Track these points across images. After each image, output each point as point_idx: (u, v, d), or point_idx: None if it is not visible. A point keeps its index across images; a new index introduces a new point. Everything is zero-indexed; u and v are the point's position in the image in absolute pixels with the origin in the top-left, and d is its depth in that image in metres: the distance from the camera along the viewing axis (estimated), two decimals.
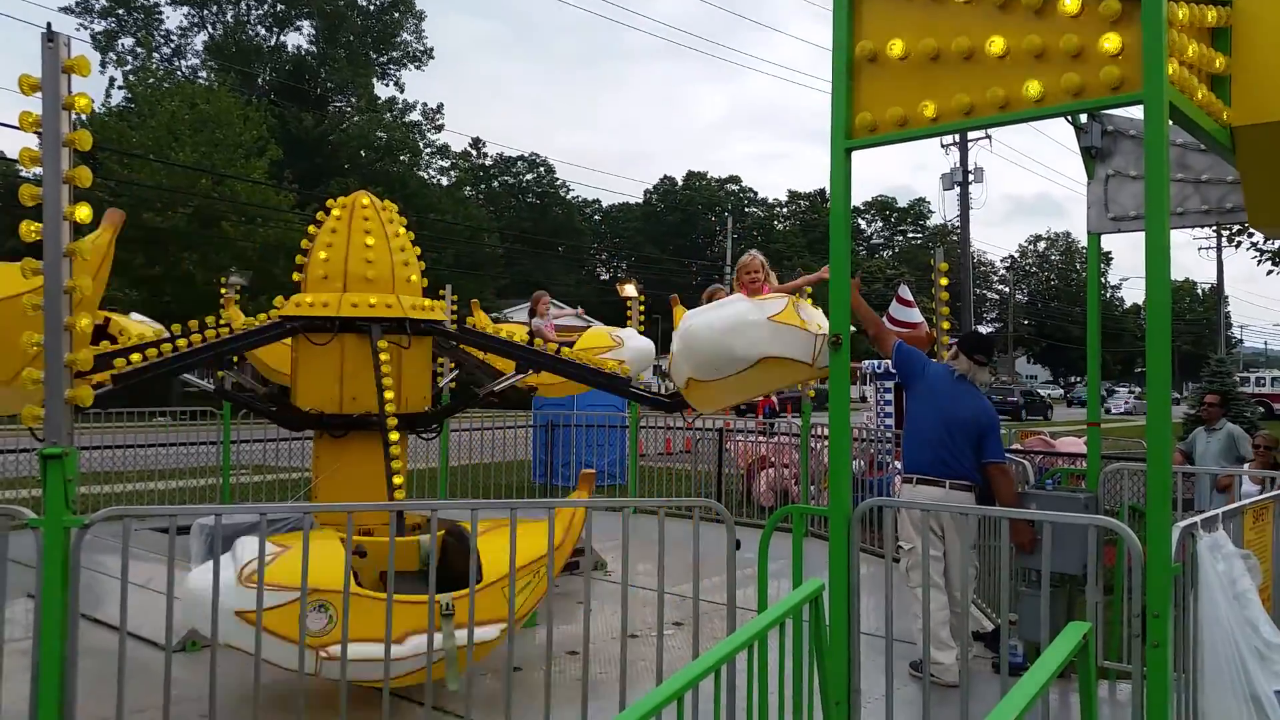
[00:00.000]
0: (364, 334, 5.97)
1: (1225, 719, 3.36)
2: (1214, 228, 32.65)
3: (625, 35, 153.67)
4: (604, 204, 78.04)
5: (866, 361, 14.27)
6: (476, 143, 67.38)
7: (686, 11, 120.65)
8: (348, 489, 6.20)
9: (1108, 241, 6.42)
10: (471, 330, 6.76)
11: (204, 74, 48.40)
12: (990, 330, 72.59)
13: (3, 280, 4.40)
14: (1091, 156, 5.52)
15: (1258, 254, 27.88)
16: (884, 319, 8.05)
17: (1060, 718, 5.09)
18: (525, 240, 60.03)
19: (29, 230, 3.71)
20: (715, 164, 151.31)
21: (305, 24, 53.39)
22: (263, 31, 53.51)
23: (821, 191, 75.33)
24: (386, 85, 55.54)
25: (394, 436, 5.55)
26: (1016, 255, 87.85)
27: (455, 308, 10.97)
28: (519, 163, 71.13)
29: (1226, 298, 53.36)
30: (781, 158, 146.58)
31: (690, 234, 74.03)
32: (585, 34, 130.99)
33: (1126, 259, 71.66)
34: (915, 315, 9.06)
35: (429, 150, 56.82)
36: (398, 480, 5.34)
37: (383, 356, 5.70)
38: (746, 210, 79.07)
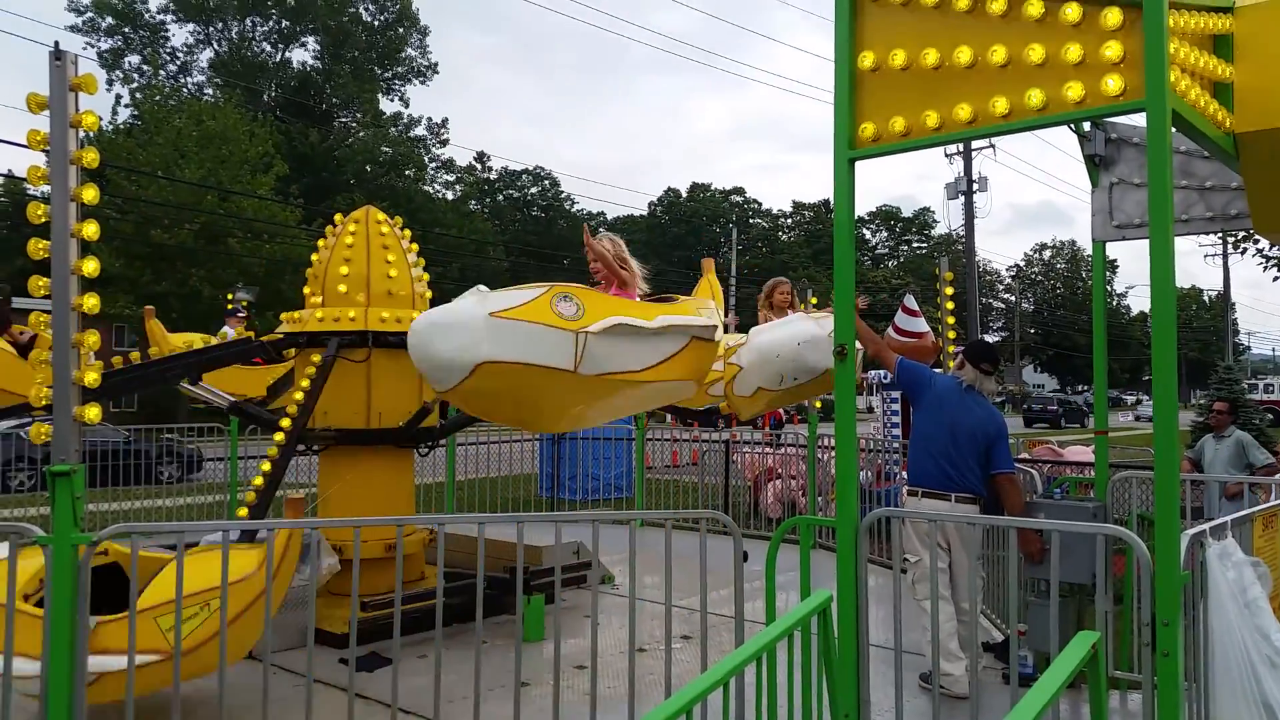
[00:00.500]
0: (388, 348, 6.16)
1: None
2: (1219, 234, 32.61)
3: (628, 48, 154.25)
4: (609, 216, 78.20)
5: (874, 372, 14.26)
6: (481, 157, 67.61)
7: (689, 24, 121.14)
8: (356, 504, 6.24)
9: (1113, 249, 6.45)
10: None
11: (210, 91, 48.70)
12: (996, 339, 72.50)
13: None
14: (1095, 164, 5.52)
15: (1264, 260, 27.81)
16: (890, 329, 8.06)
17: None
18: (530, 253, 60.12)
19: (37, 247, 3.73)
20: (719, 175, 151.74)
21: (310, 40, 53.71)
22: (268, 48, 53.82)
23: (826, 202, 75.38)
24: (391, 100, 55.87)
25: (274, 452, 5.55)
26: (1022, 264, 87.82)
27: None
28: (524, 176, 71.35)
29: (1233, 304, 53.26)
30: (785, 168, 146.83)
31: (695, 245, 73.98)
32: (588, 48, 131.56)
33: (1132, 267, 71.58)
34: (921, 325, 9.06)
35: (434, 165, 57.08)
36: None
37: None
38: (751, 221, 79.12)
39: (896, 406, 12.98)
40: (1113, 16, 3.15)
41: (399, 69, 55.87)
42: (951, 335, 8.57)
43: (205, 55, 52.47)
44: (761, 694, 3.19)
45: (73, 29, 48.46)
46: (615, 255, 5.49)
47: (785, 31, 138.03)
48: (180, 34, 52.46)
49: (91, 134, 3.92)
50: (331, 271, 6.48)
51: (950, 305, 8.57)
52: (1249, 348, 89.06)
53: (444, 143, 57.19)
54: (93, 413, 3.82)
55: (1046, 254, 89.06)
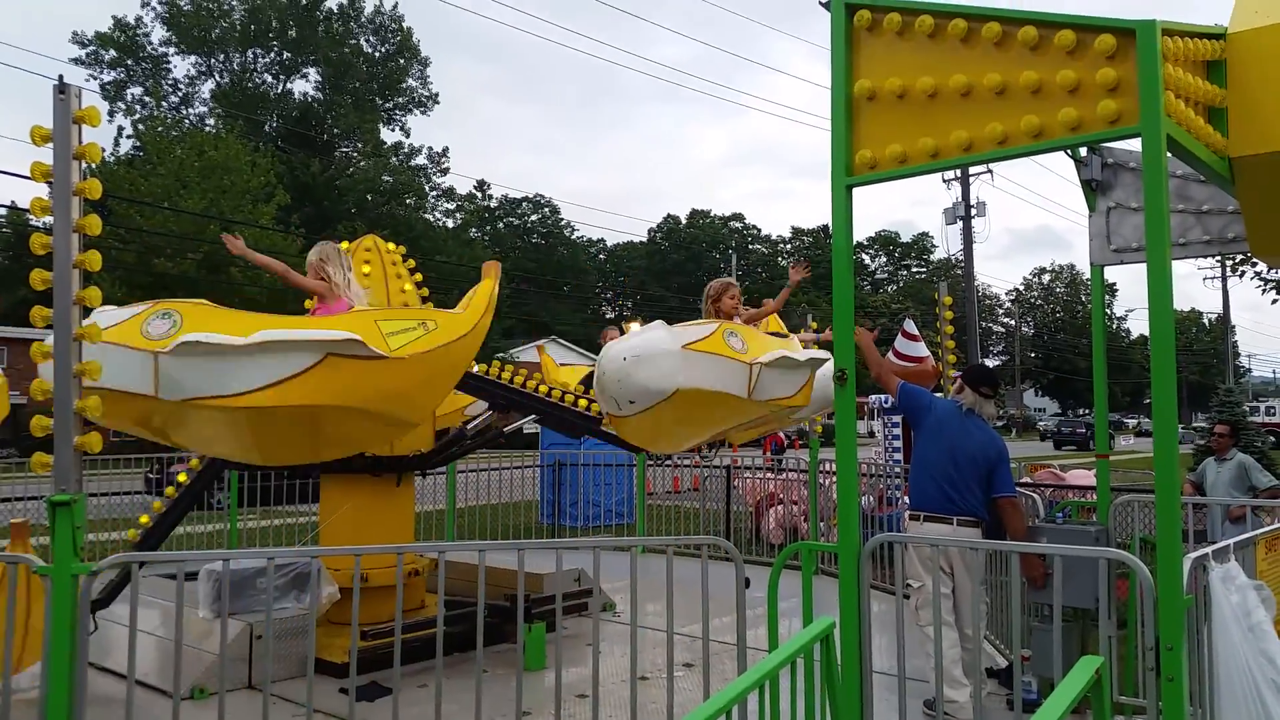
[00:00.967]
0: None
1: None
2: (1217, 257, 32.69)
3: (627, 78, 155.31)
4: (608, 243, 78.55)
5: (874, 396, 14.26)
6: (481, 185, 67.96)
7: (687, 54, 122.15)
8: (355, 532, 6.22)
9: (1112, 273, 6.45)
10: None
11: (212, 121, 49.00)
12: (997, 363, 72.48)
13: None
14: (1092, 189, 5.54)
15: (1262, 283, 27.87)
16: (890, 354, 8.07)
17: None
18: (531, 280, 60.33)
19: (40, 278, 3.75)
20: (718, 202, 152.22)
21: (312, 71, 54.12)
22: (269, 79, 54.24)
23: (824, 227, 75.67)
24: (392, 130, 56.24)
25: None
26: (1021, 288, 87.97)
27: None
28: (524, 204, 71.71)
29: (1233, 327, 53.30)
30: (784, 195, 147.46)
31: (695, 271, 74.26)
32: (588, 78, 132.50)
33: (1131, 290, 71.89)
34: (921, 349, 9.07)
35: (434, 193, 57.36)
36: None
37: None
38: (750, 247, 79.42)
39: (898, 431, 12.95)
40: (1106, 42, 3.18)
41: (400, 99, 56.28)
42: (952, 360, 8.58)
43: (207, 86, 52.94)
44: None
45: (76, 61, 48.92)
46: (316, 265, 5.31)
47: (783, 60, 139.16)
48: (182, 66, 52.94)
49: (94, 165, 3.94)
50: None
51: (950, 330, 8.59)
52: (1250, 370, 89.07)
53: (444, 171, 57.54)
54: (94, 441, 3.82)
55: (1045, 278, 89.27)
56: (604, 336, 6.37)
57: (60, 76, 3.79)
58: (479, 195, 67.55)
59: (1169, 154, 3.26)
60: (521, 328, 54.93)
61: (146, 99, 48.91)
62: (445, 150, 59.66)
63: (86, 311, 3.86)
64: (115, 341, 4.11)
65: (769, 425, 6.36)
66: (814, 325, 8.94)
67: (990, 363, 66.59)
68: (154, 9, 50.63)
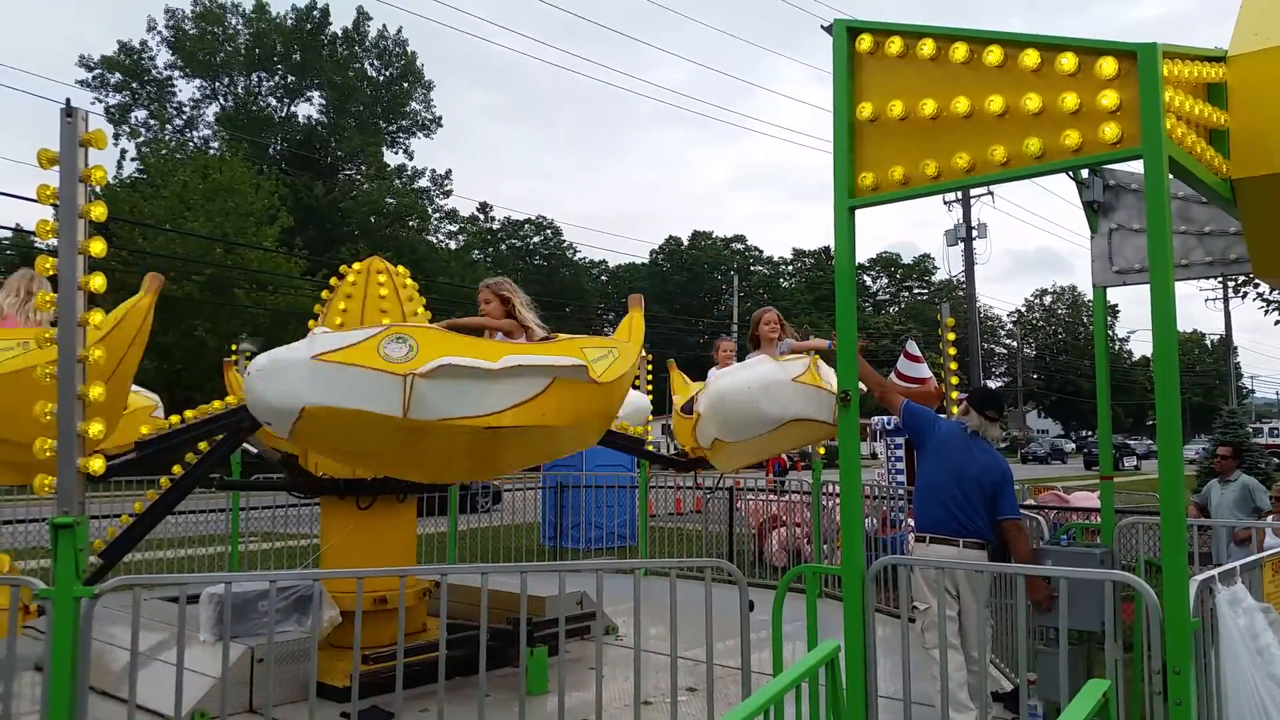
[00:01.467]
0: None
1: None
2: (1219, 279, 32.71)
3: (628, 101, 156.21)
4: (610, 265, 78.70)
5: (876, 418, 14.23)
6: (484, 207, 68.18)
7: (689, 78, 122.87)
8: (357, 554, 6.21)
9: (1113, 295, 6.45)
10: None
11: (216, 144, 49.26)
12: (999, 385, 72.43)
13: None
14: (1094, 211, 5.56)
15: (1264, 304, 27.89)
16: (892, 375, 8.06)
17: None
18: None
19: (44, 300, 3.76)
20: (720, 224, 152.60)
21: (316, 95, 54.44)
22: (274, 102, 54.55)
23: (826, 249, 75.84)
24: (396, 153, 56.47)
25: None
26: (1023, 309, 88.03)
27: None
28: (526, 225, 71.90)
29: (1235, 348, 53.24)
30: (785, 217, 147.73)
31: (697, 293, 74.44)
32: (590, 103, 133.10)
33: (1133, 311, 71.70)
34: (924, 371, 9.08)
35: (437, 215, 57.55)
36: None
37: None
38: (752, 269, 79.53)
39: (900, 453, 12.93)
40: (1108, 66, 3.20)
41: (403, 122, 56.57)
42: (954, 381, 8.57)
43: (211, 110, 53.21)
44: None
45: (82, 84, 49.23)
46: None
47: (784, 84, 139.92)
48: (187, 89, 53.21)
49: (99, 188, 3.95)
50: (328, 323, 6.54)
51: (953, 351, 8.58)
52: (1253, 391, 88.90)
53: (447, 194, 57.76)
54: (96, 464, 3.81)
55: (1047, 299, 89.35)
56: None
57: (67, 100, 3.81)
58: (482, 217, 67.80)
59: (1171, 176, 3.27)
60: None
61: (151, 122, 49.19)
62: (448, 173, 59.96)
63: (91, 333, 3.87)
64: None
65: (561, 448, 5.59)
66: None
67: (992, 384, 66.61)
68: (159, 33, 51.05)
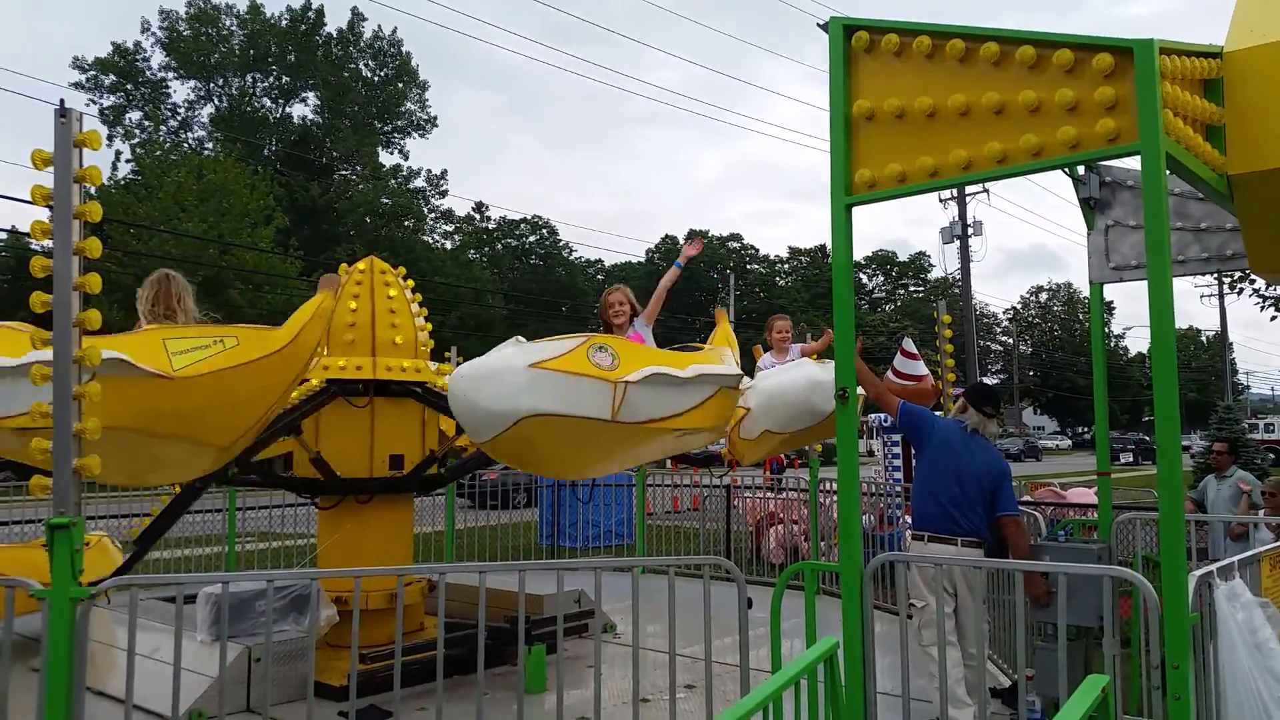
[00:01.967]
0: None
1: None
2: (1215, 275, 32.76)
3: (623, 101, 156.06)
4: (607, 264, 78.66)
5: (874, 415, 14.24)
6: (480, 207, 68.12)
7: (685, 78, 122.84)
8: (352, 554, 6.20)
9: (1109, 291, 6.46)
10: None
11: (210, 145, 49.18)
12: (995, 382, 72.52)
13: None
14: (1091, 207, 5.56)
15: (1260, 300, 27.91)
16: (889, 373, 8.06)
17: None
18: (529, 301, 60.37)
19: (39, 301, 3.75)
20: (716, 223, 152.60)
21: (311, 95, 54.36)
22: (268, 103, 54.47)
23: (822, 247, 75.88)
24: (391, 153, 56.44)
25: None
26: (1019, 306, 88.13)
27: None
28: (522, 225, 71.80)
29: (1231, 344, 53.36)
30: (781, 215, 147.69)
31: (693, 291, 74.38)
32: (584, 101, 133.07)
33: (1128, 307, 71.98)
34: (920, 368, 9.06)
35: (433, 215, 57.51)
36: None
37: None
38: (749, 267, 79.57)
39: (898, 450, 12.93)
40: (1104, 61, 3.20)
41: (398, 122, 56.53)
42: (951, 378, 8.57)
43: (206, 111, 53.15)
44: None
45: (76, 86, 49.14)
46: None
47: (778, 83, 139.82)
48: (181, 90, 53.13)
49: (94, 189, 3.94)
50: (338, 321, 6.49)
51: (949, 348, 8.58)
52: (1248, 387, 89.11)
53: (443, 194, 57.72)
54: (93, 464, 3.80)
55: (1043, 296, 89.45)
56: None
57: (61, 101, 3.80)
58: (477, 217, 67.74)
59: (1167, 172, 3.27)
60: None
61: (146, 123, 49.10)
62: (444, 173, 59.83)
63: (86, 334, 3.86)
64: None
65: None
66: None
67: (989, 381, 66.63)
68: (154, 34, 50.98)
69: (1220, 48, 3.76)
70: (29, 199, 3.80)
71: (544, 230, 72.23)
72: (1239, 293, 29.34)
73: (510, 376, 4.41)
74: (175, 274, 5.18)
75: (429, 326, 6.94)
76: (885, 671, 5.66)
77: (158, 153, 40.84)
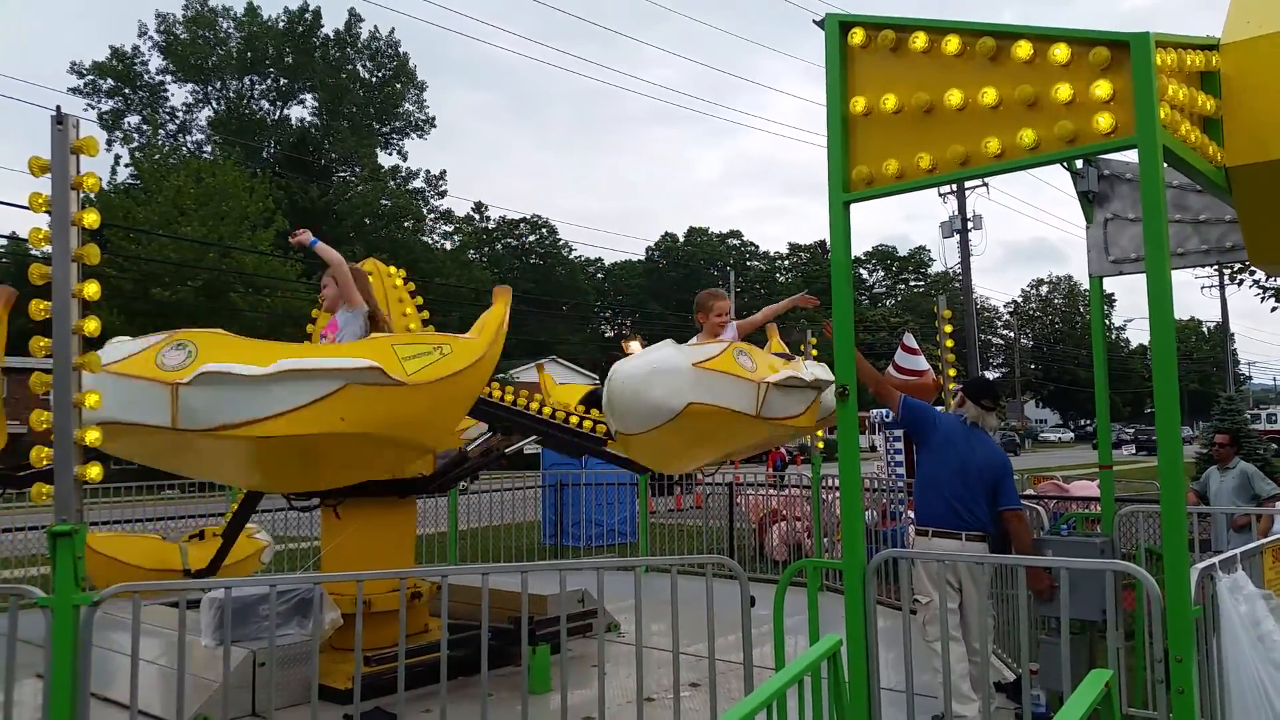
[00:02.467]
0: None
1: None
2: (1215, 267, 32.72)
3: (622, 100, 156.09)
4: (606, 262, 78.68)
5: (875, 410, 14.23)
6: (479, 207, 68.15)
7: (682, 76, 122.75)
8: (359, 556, 6.20)
9: (1109, 284, 6.45)
10: None
11: (209, 149, 49.19)
12: (997, 376, 72.48)
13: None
14: (1089, 201, 5.56)
15: (1261, 291, 27.86)
16: (890, 368, 8.06)
17: None
18: (529, 300, 60.37)
19: (38, 308, 3.75)
20: (716, 220, 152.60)
21: (309, 97, 54.34)
22: (266, 105, 54.48)
23: (822, 243, 75.88)
24: (390, 154, 56.46)
25: None
26: (1020, 300, 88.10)
27: None
28: (521, 225, 71.86)
29: (1232, 335, 53.32)
30: (780, 212, 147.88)
31: (693, 289, 73.95)
32: (582, 100, 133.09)
33: (1129, 300, 71.96)
34: (921, 363, 9.06)
35: (432, 216, 57.53)
36: None
37: None
38: (748, 264, 79.59)
39: (899, 445, 12.92)
40: (1101, 55, 3.20)
41: (397, 123, 56.53)
42: (952, 373, 8.57)
43: (204, 114, 53.16)
44: None
45: (74, 91, 49.14)
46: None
47: (776, 79, 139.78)
48: (179, 94, 53.32)
49: (93, 195, 3.94)
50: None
51: (950, 343, 8.58)
52: (1250, 378, 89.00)
53: (442, 194, 57.75)
54: (94, 471, 3.81)
55: (1043, 290, 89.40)
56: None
57: (58, 107, 3.80)
58: (477, 217, 67.81)
59: (1165, 164, 3.26)
60: (521, 348, 54.97)
61: (144, 127, 49.10)
62: (443, 173, 60.11)
63: (86, 341, 3.86)
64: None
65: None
66: (813, 341, 8.96)
67: (990, 375, 66.61)
68: (151, 38, 50.97)
69: (1217, 40, 3.75)
70: (27, 205, 3.80)
71: (543, 229, 72.30)
72: (1239, 284, 29.24)
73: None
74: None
75: (432, 329, 6.95)
76: (889, 667, 5.66)
77: (156, 157, 40.83)
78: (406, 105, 56.49)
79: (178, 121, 52.55)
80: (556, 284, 68.00)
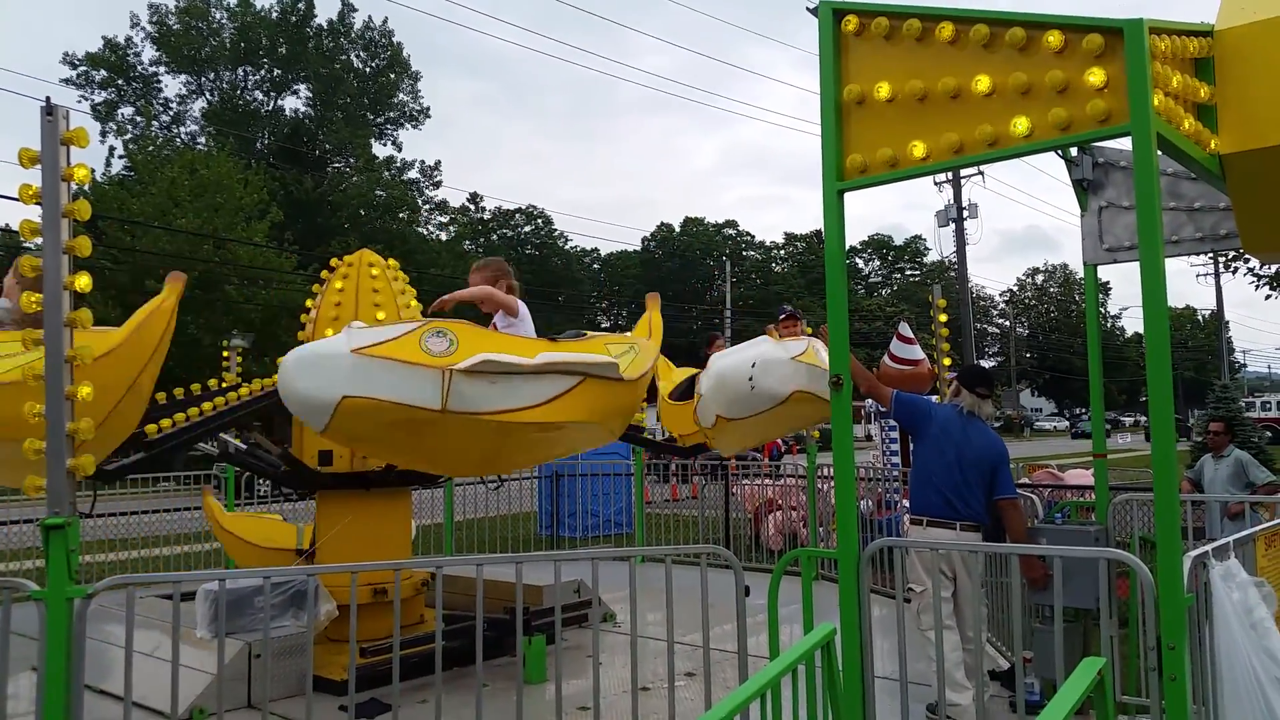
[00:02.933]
0: None
1: None
2: (1210, 254, 32.77)
3: (616, 89, 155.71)
4: (602, 252, 78.57)
5: (870, 400, 14.24)
6: (474, 197, 67.98)
7: (675, 64, 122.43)
8: (353, 547, 6.20)
9: (1105, 272, 6.44)
10: None
11: (203, 140, 48.97)
12: (992, 364, 72.59)
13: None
14: (1084, 189, 5.55)
15: (1255, 279, 27.91)
16: (886, 357, 8.06)
17: None
18: (525, 291, 60.39)
19: (30, 301, 3.73)
20: (711, 209, 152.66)
21: (302, 88, 54.10)
22: (260, 96, 54.22)
23: (817, 232, 75.72)
24: (384, 145, 56.17)
25: None
26: (1015, 289, 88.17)
27: None
28: (517, 215, 71.72)
29: (1227, 323, 53.41)
30: (776, 201, 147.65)
31: (689, 279, 74.33)
32: (577, 90, 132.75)
33: (1124, 288, 72.02)
34: (917, 352, 9.05)
35: (428, 207, 57.34)
36: None
37: None
38: (744, 253, 79.47)
39: (895, 434, 12.95)
40: (1094, 42, 3.18)
41: (391, 114, 56.27)
42: (947, 362, 8.57)
43: (198, 105, 52.87)
44: None
45: (67, 82, 48.89)
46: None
47: (769, 67, 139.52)
48: (173, 85, 53.02)
49: (85, 186, 3.93)
50: (322, 316, 6.57)
51: (945, 332, 8.57)
52: (1244, 365, 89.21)
53: (437, 185, 57.53)
54: (87, 463, 3.80)
55: (1039, 278, 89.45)
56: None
57: (47, 98, 3.77)
58: (472, 208, 67.62)
59: (1159, 152, 3.26)
60: None
61: (138, 119, 48.87)
62: (438, 164, 59.61)
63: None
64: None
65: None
66: (808, 330, 8.93)
67: (986, 364, 66.68)
68: (144, 29, 50.68)
69: (1211, 26, 3.74)
70: (17, 197, 3.78)
71: (539, 220, 72.15)
72: (1234, 272, 29.31)
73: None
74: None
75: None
76: (884, 656, 5.67)
77: (150, 148, 40.66)
78: (401, 95, 56.24)
79: (171, 113, 52.31)
80: (552, 275, 67.89)
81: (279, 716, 5.33)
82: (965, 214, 31.04)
